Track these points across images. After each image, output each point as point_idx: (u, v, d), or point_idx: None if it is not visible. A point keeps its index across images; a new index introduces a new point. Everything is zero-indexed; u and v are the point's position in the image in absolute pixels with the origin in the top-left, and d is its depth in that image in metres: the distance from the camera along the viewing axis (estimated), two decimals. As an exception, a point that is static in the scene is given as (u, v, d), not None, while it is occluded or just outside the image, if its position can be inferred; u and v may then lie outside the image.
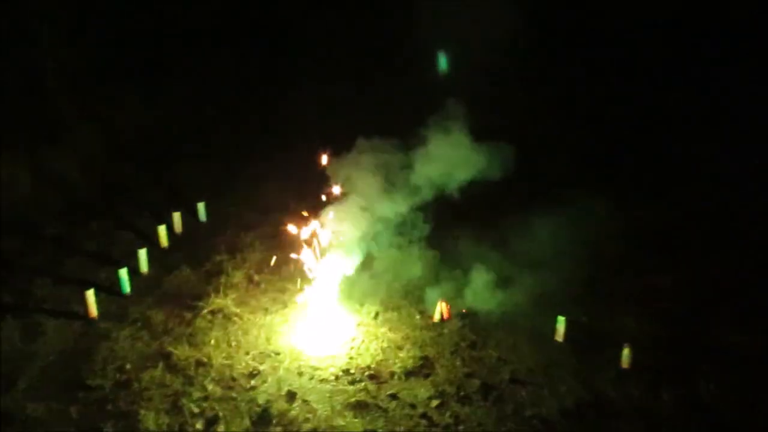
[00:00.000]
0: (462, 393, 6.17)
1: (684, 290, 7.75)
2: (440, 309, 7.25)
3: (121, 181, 10.30)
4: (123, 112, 11.70)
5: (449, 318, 7.21)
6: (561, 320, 6.96)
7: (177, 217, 8.98)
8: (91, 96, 11.57)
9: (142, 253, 7.90)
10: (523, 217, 8.26)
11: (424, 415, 5.92)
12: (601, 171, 10.19)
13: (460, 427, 5.81)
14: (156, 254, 8.23)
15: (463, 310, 7.28)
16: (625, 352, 6.57)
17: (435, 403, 6.05)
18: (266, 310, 7.27)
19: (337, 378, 6.31)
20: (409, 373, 6.40)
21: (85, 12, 11.86)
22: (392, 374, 6.38)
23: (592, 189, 8.93)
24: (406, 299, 7.50)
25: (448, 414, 5.93)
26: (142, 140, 11.36)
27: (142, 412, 5.73)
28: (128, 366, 6.25)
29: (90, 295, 6.86)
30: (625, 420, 5.92)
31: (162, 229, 8.57)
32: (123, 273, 7.39)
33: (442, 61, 12.85)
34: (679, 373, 6.44)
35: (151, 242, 8.43)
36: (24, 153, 10.22)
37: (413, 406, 6.00)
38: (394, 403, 6.04)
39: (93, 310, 6.90)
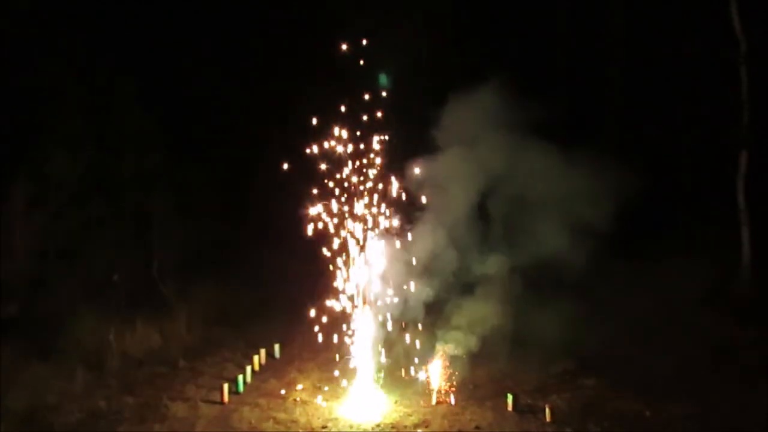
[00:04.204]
0: (446, 433, 10.52)
1: (602, 388, 12.06)
2: (436, 396, 11.67)
3: (217, 335, 15.22)
4: (210, 291, 16.99)
5: (442, 402, 11.60)
6: (510, 396, 11.32)
7: (262, 352, 13.70)
8: (185, 281, 16.96)
9: (248, 369, 12.56)
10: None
11: (422, 442, 10.29)
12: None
13: (443, 447, 10.13)
14: (253, 374, 12.85)
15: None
16: (547, 410, 10.88)
17: (430, 438, 10.41)
18: (328, 400, 11.73)
19: (372, 429, 10.67)
20: (415, 425, 10.77)
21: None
22: (405, 426, 10.78)
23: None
24: (416, 394, 11.94)
25: (436, 441, 10.30)
26: (226, 309, 16.47)
27: (265, 438, 10.21)
28: (252, 421, 10.77)
29: (225, 386, 11.46)
30: (542, 442, 10.19)
31: (256, 359, 13.27)
32: (240, 378, 12.00)
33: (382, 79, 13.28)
34: (577, 419, 10.72)
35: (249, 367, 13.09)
36: (150, 320, 15.30)
37: (416, 439, 10.38)
38: (406, 439, 10.42)
39: (226, 397, 11.43)
